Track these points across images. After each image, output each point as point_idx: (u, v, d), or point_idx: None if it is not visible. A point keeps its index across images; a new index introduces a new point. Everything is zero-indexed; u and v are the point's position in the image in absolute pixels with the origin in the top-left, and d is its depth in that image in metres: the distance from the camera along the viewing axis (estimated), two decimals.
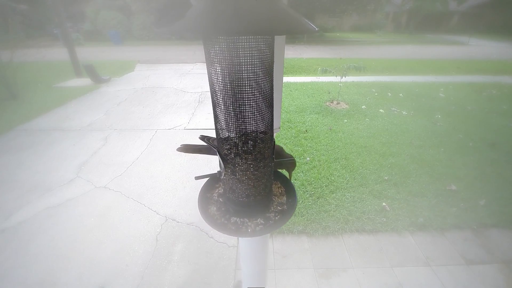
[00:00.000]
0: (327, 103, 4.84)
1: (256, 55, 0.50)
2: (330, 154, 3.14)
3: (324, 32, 19.82)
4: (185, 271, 1.81)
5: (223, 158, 0.64)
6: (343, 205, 2.35)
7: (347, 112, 4.44)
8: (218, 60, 0.50)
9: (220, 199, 0.76)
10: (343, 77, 4.79)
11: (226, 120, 0.58)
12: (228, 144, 0.61)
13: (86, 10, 15.71)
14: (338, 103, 4.83)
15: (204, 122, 4.20)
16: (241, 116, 0.56)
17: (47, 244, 2.02)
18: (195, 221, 2.23)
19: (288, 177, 0.84)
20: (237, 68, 0.50)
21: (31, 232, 2.13)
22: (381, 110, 4.57)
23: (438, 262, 1.87)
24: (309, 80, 6.54)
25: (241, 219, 0.69)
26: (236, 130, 0.58)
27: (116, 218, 2.27)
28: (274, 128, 0.69)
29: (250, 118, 0.56)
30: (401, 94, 5.52)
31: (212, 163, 3.02)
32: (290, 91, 5.60)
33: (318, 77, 6.83)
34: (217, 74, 0.53)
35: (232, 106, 0.55)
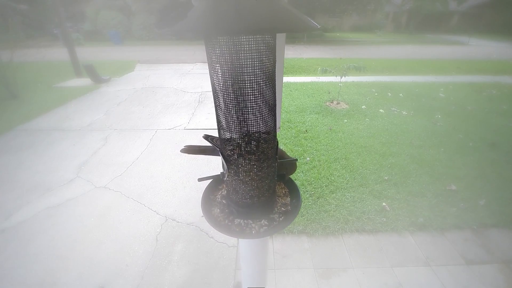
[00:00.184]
0: (327, 103, 4.84)
1: (257, 57, 0.50)
2: (330, 154, 3.14)
3: (324, 32, 19.84)
4: (185, 271, 1.81)
5: (226, 159, 0.63)
6: (343, 205, 2.35)
7: (347, 112, 4.44)
8: (220, 62, 0.50)
9: (224, 201, 0.76)
10: (343, 77, 4.79)
11: (228, 121, 0.58)
12: (231, 145, 0.61)
13: (86, 10, 15.73)
14: (338, 103, 4.83)
15: (204, 122, 4.20)
16: (243, 117, 0.56)
17: (47, 244, 2.02)
18: (195, 221, 2.23)
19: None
20: (239, 69, 0.50)
21: (31, 232, 2.13)
22: (381, 110, 4.57)
23: (438, 262, 1.87)
24: (309, 80, 6.54)
25: (245, 221, 0.68)
26: (239, 132, 0.58)
27: (116, 218, 2.27)
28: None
29: (252, 119, 0.56)
30: (401, 94, 5.52)
31: (212, 163, 3.01)
32: (290, 91, 5.60)
33: (318, 77, 6.83)
34: (218, 76, 0.53)
35: (234, 108, 0.55)
